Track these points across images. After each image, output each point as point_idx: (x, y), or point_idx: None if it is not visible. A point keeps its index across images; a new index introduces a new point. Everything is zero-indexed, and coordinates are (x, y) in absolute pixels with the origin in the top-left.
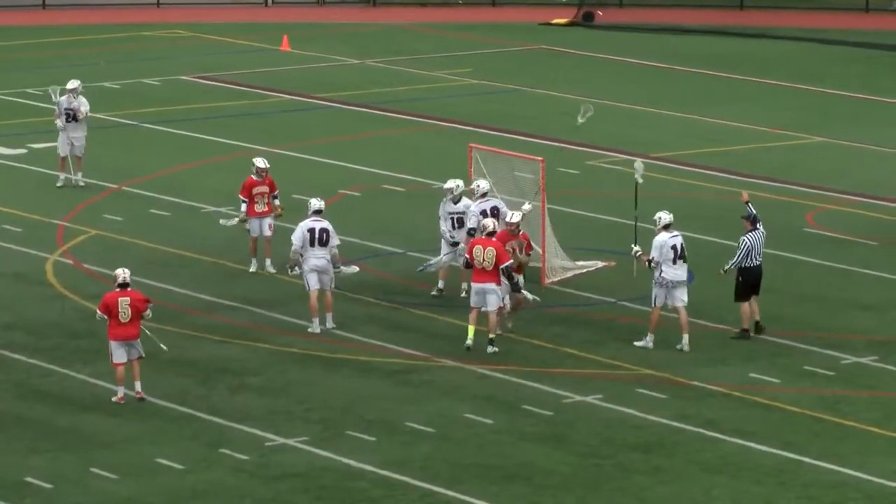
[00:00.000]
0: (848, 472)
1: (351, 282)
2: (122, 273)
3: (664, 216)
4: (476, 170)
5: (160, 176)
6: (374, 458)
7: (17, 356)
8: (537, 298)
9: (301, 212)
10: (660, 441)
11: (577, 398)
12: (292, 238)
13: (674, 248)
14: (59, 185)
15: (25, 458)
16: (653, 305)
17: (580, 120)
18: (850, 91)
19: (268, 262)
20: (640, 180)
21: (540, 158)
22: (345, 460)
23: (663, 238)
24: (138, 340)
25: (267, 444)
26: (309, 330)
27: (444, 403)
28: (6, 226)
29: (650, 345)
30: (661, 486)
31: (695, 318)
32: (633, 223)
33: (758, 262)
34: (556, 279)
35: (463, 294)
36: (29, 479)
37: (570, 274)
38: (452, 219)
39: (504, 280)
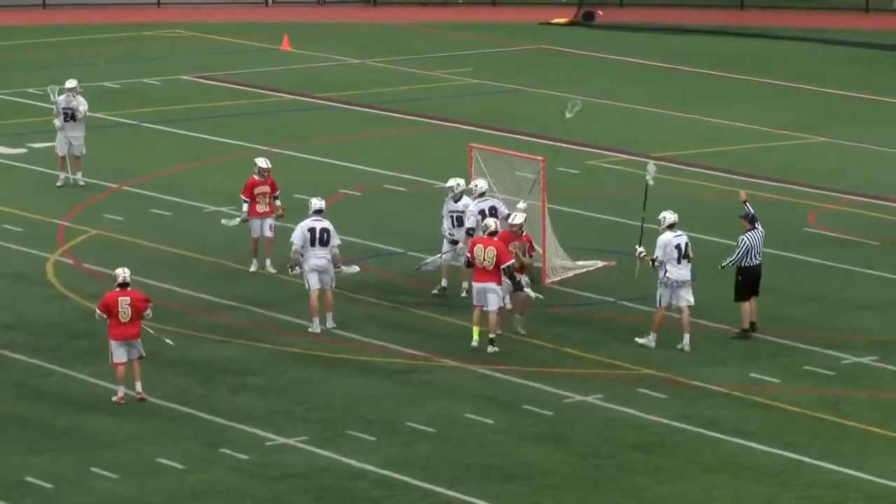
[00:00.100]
0: (848, 472)
1: (351, 282)
2: (123, 273)
3: (668, 216)
4: (476, 169)
5: (161, 176)
6: (374, 457)
7: (17, 356)
8: (541, 296)
9: (302, 212)
10: (660, 441)
11: (578, 398)
12: (293, 238)
13: (678, 247)
14: (58, 184)
15: (25, 457)
16: (658, 305)
17: (568, 115)
18: (851, 91)
19: (268, 262)
20: (651, 182)
21: (540, 158)
22: (345, 460)
23: (667, 237)
24: (139, 340)
25: (267, 443)
26: (309, 330)
27: (445, 403)
28: (6, 225)
29: (652, 343)
30: (661, 486)
31: (695, 318)
32: (640, 224)
33: (757, 262)
34: (556, 279)
35: (463, 294)
36: (29, 479)
37: (570, 273)
38: (452, 217)
39: (505, 280)
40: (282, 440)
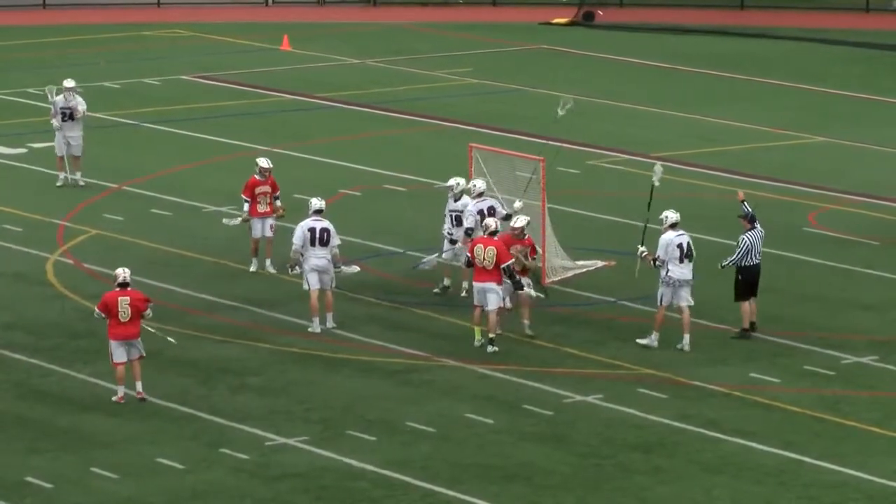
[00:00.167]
0: (848, 472)
1: (351, 281)
2: (123, 272)
3: (671, 215)
4: (476, 169)
5: (161, 176)
6: (374, 457)
7: (17, 356)
8: (541, 295)
9: (302, 211)
10: (660, 441)
11: (578, 398)
12: (293, 237)
13: (680, 246)
14: (58, 184)
15: (25, 457)
16: (658, 304)
17: (560, 112)
18: (851, 91)
19: (268, 262)
20: (657, 183)
21: (540, 158)
22: (345, 460)
23: (669, 237)
24: (139, 340)
25: (267, 443)
26: (309, 330)
27: (445, 403)
28: (6, 225)
29: (654, 343)
30: (661, 486)
31: (695, 317)
32: (643, 224)
33: (757, 261)
34: (556, 279)
35: (463, 294)
36: (29, 479)
37: (570, 273)
38: (452, 216)
39: (506, 279)
40: (282, 440)
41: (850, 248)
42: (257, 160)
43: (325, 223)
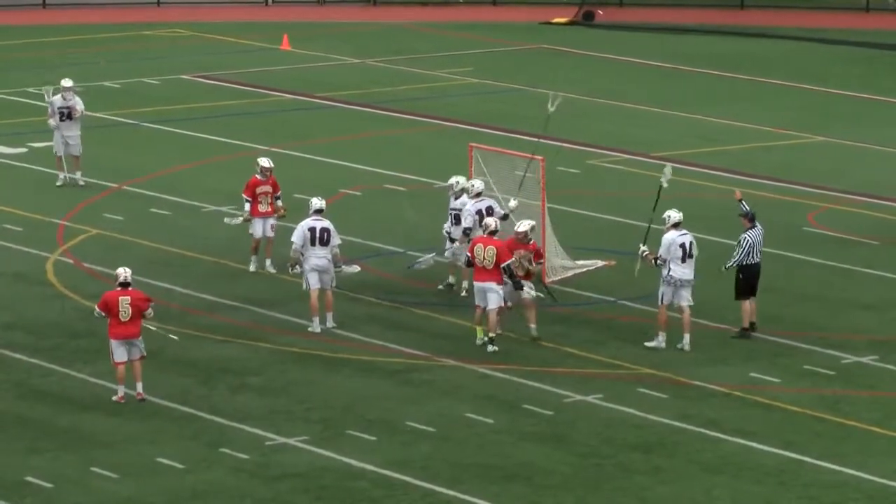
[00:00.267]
0: (849, 471)
1: (352, 281)
2: (124, 272)
3: (673, 214)
4: (476, 169)
5: (161, 175)
6: (374, 457)
7: (17, 356)
8: (540, 294)
9: (302, 211)
10: (660, 441)
11: (578, 398)
12: (293, 237)
13: (682, 246)
14: (58, 184)
15: (26, 457)
16: (659, 304)
17: (550, 109)
18: (852, 91)
19: (268, 262)
20: (666, 185)
21: (540, 158)
22: (345, 460)
23: (672, 236)
24: (140, 339)
25: (267, 443)
26: (309, 329)
27: (445, 403)
28: (6, 225)
29: (662, 344)
30: (661, 486)
31: (695, 317)
32: (647, 224)
33: (757, 260)
34: (556, 278)
35: (463, 293)
36: (29, 479)
37: (570, 273)
38: (451, 215)
39: (506, 279)
40: (282, 440)
41: (850, 248)
42: (258, 160)
43: (326, 223)
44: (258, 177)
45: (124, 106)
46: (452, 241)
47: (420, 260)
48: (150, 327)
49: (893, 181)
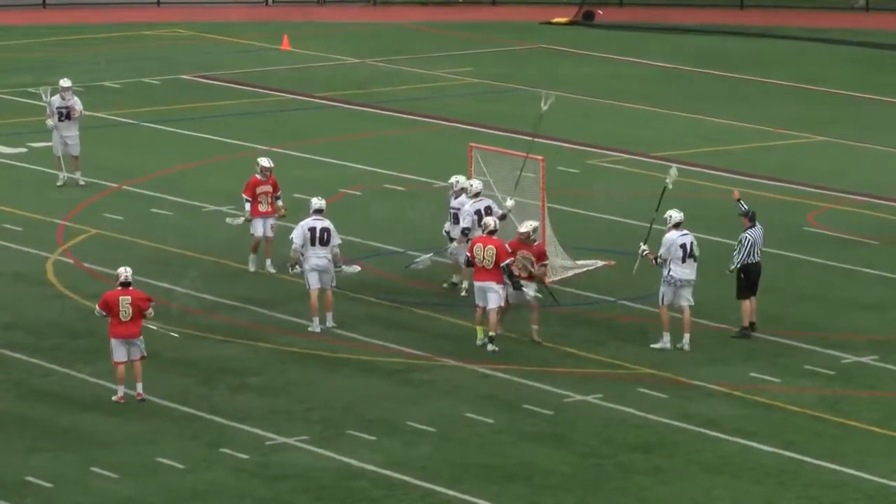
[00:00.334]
0: (849, 471)
1: (352, 281)
2: (124, 272)
3: (674, 214)
4: (476, 169)
5: (161, 175)
6: (374, 457)
7: (17, 356)
8: (539, 295)
9: (302, 211)
10: (660, 441)
11: (578, 398)
12: (293, 237)
13: (683, 246)
14: (59, 184)
15: (26, 457)
16: (660, 304)
17: (543, 108)
18: (852, 91)
19: (268, 262)
20: (671, 186)
21: (540, 157)
22: (345, 460)
23: (673, 236)
24: (140, 339)
25: (267, 443)
26: (309, 329)
27: (445, 403)
28: (6, 225)
29: (668, 345)
30: (661, 486)
31: (695, 317)
32: (649, 224)
33: (758, 259)
34: (556, 278)
35: (463, 293)
36: (29, 479)
37: (570, 273)
38: (451, 214)
39: (505, 278)
40: (282, 440)
41: (851, 248)
42: (259, 160)
43: (326, 223)
44: (258, 177)
45: (124, 106)
46: (452, 240)
47: (417, 260)
48: (151, 327)
49: (893, 181)
